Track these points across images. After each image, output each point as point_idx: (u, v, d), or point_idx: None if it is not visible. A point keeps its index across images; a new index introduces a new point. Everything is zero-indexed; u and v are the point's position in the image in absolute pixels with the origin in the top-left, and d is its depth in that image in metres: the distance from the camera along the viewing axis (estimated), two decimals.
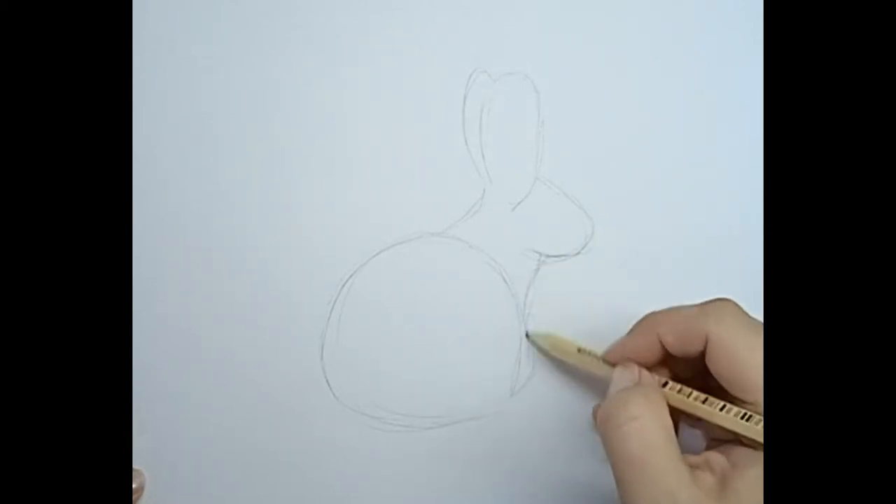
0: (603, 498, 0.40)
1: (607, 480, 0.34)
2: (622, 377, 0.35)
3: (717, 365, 0.33)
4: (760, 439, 0.31)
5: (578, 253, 0.41)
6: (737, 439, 0.33)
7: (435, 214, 0.40)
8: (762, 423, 0.31)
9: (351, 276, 0.40)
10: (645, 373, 0.35)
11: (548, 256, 0.41)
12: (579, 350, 0.38)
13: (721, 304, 0.34)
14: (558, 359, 0.40)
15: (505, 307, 0.40)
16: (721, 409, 0.33)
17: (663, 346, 0.35)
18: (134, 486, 0.38)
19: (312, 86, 0.40)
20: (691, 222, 0.41)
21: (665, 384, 0.35)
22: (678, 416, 0.34)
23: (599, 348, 0.38)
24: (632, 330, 0.37)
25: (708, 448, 0.34)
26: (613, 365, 0.36)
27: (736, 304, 0.34)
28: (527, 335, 0.40)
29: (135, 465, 0.38)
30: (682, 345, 0.34)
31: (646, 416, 0.31)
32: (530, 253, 0.41)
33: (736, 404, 0.33)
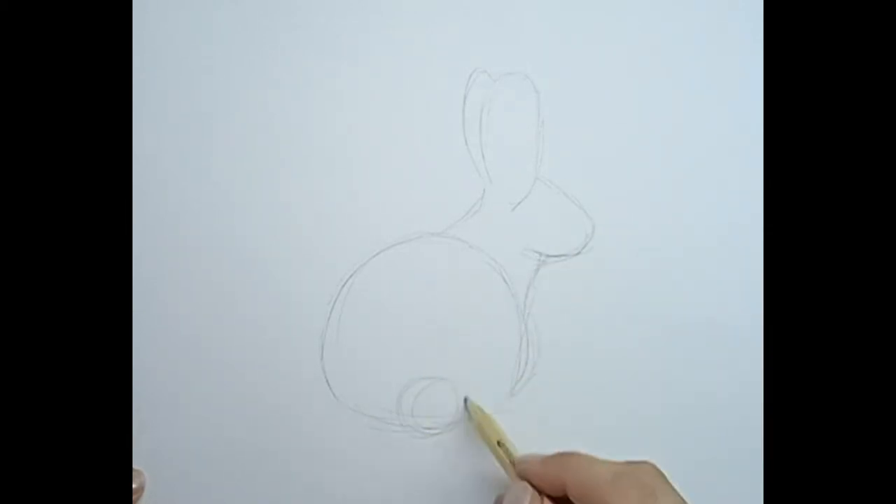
0: None
1: None
2: (514, 496, 0.35)
3: None
4: None
5: (578, 253, 0.41)
6: None
7: (435, 214, 0.40)
8: None
9: (351, 276, 0.40)
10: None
11: (548, 256, 0.41)
12: (498, 442, 0.38)
13: (642, 472, 0.33)
14: (483, 432, 0.39)
15: (505, 307, 0.40)
16: None
17: None
18: (134, 486, 0.38)
19: (312, 86, 0.40)
20: (691, 222, 0.41)
21: None
22: None
23: (521, 444, 0.38)
24: (550, 457, 0.35)
25: None
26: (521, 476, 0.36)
27: (656, 473, 0.33)
28: (465, 400, 0.40)
29: (135, 465, 0.38)
30: (582, 502, 0.33)
31: None
32: (530, 253, 0.41)
33: None
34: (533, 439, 0.41)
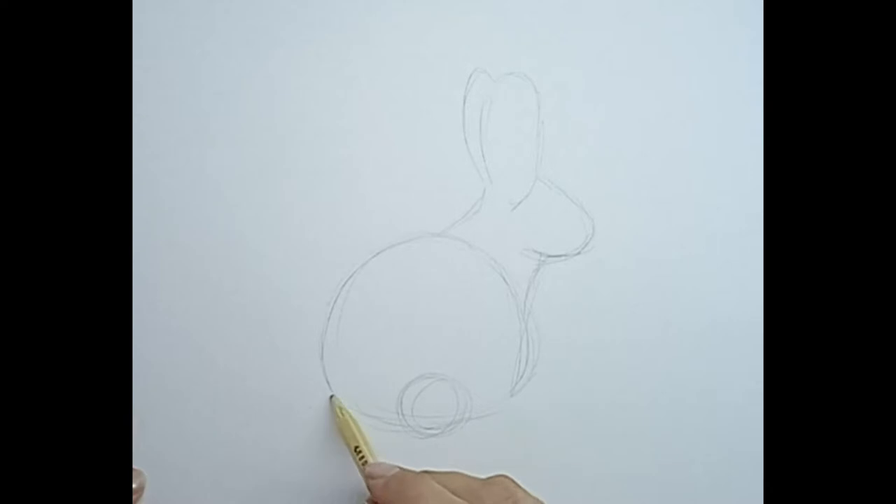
0: (602, 494, 0.40)
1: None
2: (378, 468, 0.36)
3: None
4: None
5: (578, 253, 0.41)
6: None
7: (435, 214, 0.40)
8: None
9: (351, 277, 0.40)
10: None
11: (548, 256, 0.41)
12: (356, 448, 0.38)
13: (497, 483, 0.34)
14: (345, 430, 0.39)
15: (505, 307, 0.40)
16: None
17: None
18: (134, 486, 0.38)
19: (312, 86, 0.40)
20: (691, 222, 0.41)
21: None
22: None
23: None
24: (391, 480, 0.36)
25: None
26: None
27: (511, 482, 0.34)
28: (331, 397, 0.39)
29: (135, 465, 0.38)
30: None
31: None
32: (530, 253, 0.41)
33: None
34: (533, 439, 0.41)
